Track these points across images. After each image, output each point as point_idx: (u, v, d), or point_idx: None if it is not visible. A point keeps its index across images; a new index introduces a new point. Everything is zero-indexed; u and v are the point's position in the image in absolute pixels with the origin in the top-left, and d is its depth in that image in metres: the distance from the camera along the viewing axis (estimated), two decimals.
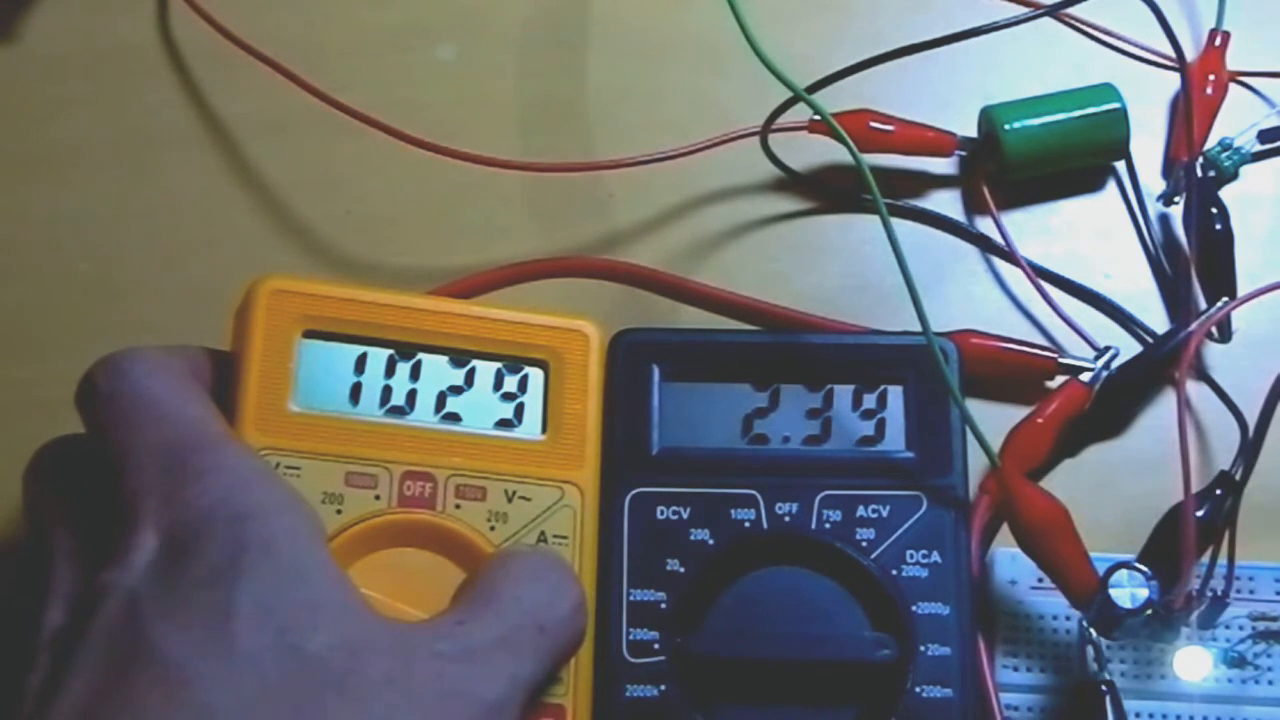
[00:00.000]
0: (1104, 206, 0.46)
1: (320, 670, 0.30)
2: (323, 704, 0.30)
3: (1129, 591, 0.37)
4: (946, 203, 0.46)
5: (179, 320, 0.44)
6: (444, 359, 0.38)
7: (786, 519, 0.38)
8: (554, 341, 0.38)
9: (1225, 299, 0.42)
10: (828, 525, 0.38)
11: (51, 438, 0.36)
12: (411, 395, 0.37)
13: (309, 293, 0.37)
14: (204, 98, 0.47)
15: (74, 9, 0.48)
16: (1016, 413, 0.42)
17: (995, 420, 0.41)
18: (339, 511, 0.35)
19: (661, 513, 0.39)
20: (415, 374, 0.37)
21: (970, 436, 0.38)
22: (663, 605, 0.38)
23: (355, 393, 0.37)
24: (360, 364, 0.37)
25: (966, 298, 0.45)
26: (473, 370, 0.38)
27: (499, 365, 0.38)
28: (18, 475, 0.35)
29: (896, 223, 0.39)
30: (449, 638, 0.32)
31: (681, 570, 0.38)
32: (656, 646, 0.38)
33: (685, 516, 0.39)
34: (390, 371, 0.37)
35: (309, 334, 0.37)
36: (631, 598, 0.38)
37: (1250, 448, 0.40)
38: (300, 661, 0.30)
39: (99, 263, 0.45)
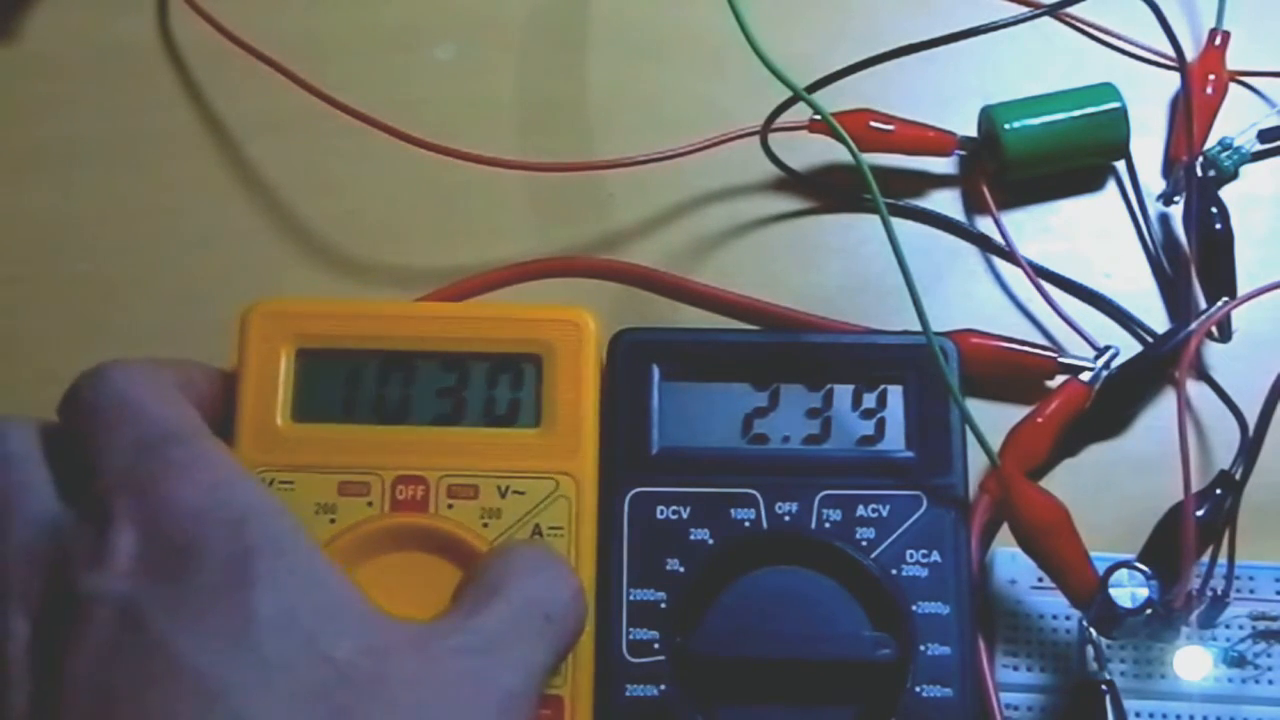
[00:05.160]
0: (1104, 206, 0.46)
1: (351, 675, 0.30)
2: (352, 709, 0.30)
3: (1129, 591, 0.37)
4: (946, 203, 0.46)
5: (178, 320, 0.44)
6: (436, 364, 0.38)
7: (786, 519, 0.38)
8: (547, 333, 0.38)
9: (1225, 299, 0.42)
10: (827, 525, 0.38)
11: None
12: (404, 401, 0.37)
13: (299, 312, 0.37)
14: (204, 98, 0.47)
15: (74, 9, 0.48)
16: (1016, 413, 0.42)
17: (995, 420, 0.41)
18: (332, 521, 0.36)
19: (661, 512, 0.39)
20: (408, 380, 0.38)
21: (970, 436, 0.38)
22: (662, 605, 0.38)
23: (348, 404, 0.37)
24: (353, 376, 0.37)
25: (966, 298, 0.45)
26: (466, 371, 0.38)
27: (492, 364, 0.38)
28: None
29: (896, 222, 0.39)
30: (465, 632, 0.32)
31: (681, 570, 0.38)
32: (656, 646, 0.38)
33: (685, 516, 0.39)
34: (383, 380, 0.37)
35: (301, 352, 0.37)
36: (631, 597, 0.38)
37: (1250, 448, 0.39)
38: (331, 668, 0.30)
39: (99, 263, 0.45)
